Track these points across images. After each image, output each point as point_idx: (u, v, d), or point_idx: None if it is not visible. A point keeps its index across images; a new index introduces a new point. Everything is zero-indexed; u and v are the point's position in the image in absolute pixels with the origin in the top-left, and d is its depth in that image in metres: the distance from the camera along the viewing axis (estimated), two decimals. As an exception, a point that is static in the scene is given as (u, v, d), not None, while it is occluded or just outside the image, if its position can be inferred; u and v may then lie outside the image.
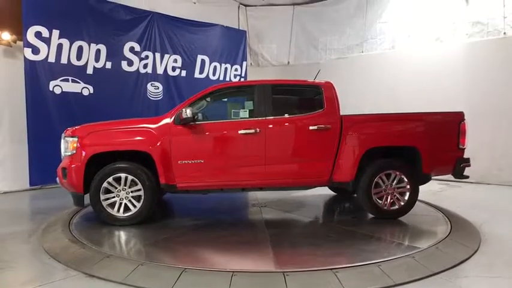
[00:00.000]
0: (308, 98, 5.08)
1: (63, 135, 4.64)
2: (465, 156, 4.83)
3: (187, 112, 4.35)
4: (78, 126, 4.59)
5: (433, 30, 8.33)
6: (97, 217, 4.63)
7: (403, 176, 4.61)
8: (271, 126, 4.59)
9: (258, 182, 4.67)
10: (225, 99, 5.31)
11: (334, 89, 4.83)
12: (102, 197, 4.43)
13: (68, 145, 4.48)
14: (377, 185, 4.63)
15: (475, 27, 7.77)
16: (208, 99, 4.87)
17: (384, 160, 4.67)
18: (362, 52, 9.45)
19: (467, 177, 4.81)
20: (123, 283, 3.04)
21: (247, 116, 4.78)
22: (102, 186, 4.41)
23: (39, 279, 3.14)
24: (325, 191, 6.02)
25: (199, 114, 4.58)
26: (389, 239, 4.08)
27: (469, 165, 4.80)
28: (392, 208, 4.67)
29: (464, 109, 4.91)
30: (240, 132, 4.53)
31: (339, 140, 4.61)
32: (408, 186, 4.63)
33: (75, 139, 4.43)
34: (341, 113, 4.73)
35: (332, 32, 9.89)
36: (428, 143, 4.64)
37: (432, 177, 4.89)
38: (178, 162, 4.50)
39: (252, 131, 4.53)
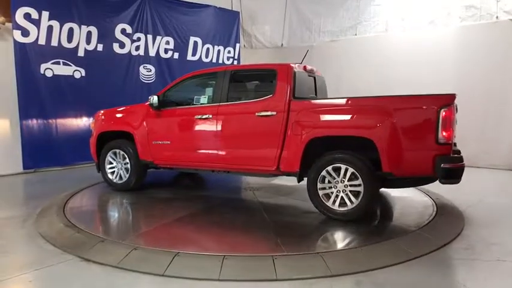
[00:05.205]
0: (265, 82, 4.81)
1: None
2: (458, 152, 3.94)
3: (152, 99, 5.00)
4: (99, 111, 5.78)
5: (426, 14, 8.28)
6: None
7: (356, 173, 3.88)
8: (221, 112, 4.69)
9: (215, 166, 4.85)
10: (197, 86, 5.38)
11: (290, 72, 4.38)
12: (106, 166, 5.58)
13: (91, 125, 5.84)
14: (325, 180, 4.08)
15: (469, 11, 7.75)
16: (182, 86, 5.20)
17: (332, 151, 4.05)
18: (355, 35, 9.39)
19: (456, 182, 3.83)
20: (118, 267, 3.12)
21: (206, 102, 4.94)
22: (106, 158, 5.55)
23: (35, 264, 3.20)
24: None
25: (170, 100, 5.12)
26: (372, 222, 4.12)
27: (459, 166, 3.79)
28: (341, 209, 3.99)
29: (456, 92, 3.94)
30: (195, 117, 4.84)
31: (285, 128, 4.27)
32: (362, 185, 3.87)
33: (92, 120, 5.81)
34: (291, 98, 4.27)
35: (326, 14, 9.78)
36: (388, 135, 3.74)
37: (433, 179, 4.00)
38: (153, 142, 5.17)
39: (205, 116, 4.76)
